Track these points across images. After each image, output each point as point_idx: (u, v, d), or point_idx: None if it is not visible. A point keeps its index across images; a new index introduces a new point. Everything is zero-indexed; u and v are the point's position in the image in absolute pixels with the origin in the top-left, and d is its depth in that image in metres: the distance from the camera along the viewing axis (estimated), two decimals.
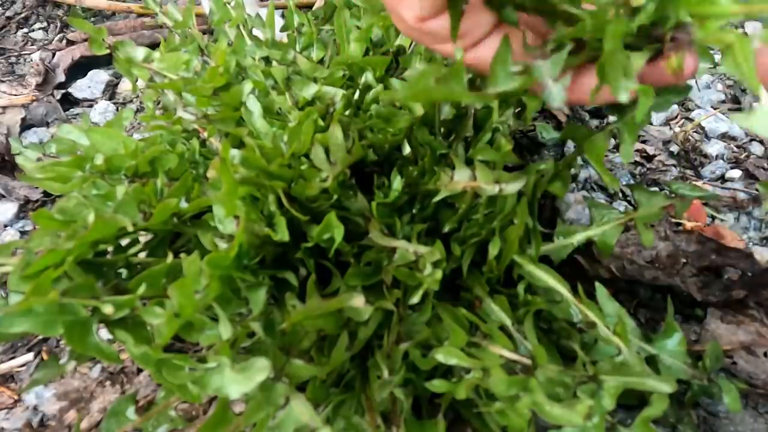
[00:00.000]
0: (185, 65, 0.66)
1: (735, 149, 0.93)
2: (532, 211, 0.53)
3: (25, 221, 0.87)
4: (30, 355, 0.69)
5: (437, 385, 0.45)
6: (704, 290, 0.62)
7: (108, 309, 0.36)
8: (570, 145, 0.89)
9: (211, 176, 0.46)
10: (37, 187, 0.90)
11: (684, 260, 0.63)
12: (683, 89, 0.40)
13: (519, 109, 0.59)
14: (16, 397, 0.65)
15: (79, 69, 1.15)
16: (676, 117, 1.01)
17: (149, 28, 1.25)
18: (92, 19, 1.34)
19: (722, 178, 0.89)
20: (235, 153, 0.45)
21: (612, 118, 0.45)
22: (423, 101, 0.53)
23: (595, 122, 0.97)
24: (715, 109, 1.01)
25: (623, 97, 0.30)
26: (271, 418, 0.39)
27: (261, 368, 0.35)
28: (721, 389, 0.49)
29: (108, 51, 0.70)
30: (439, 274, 0.43)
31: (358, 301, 0.40)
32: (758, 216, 0.82)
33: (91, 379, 0.65)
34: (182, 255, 0.39)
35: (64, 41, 1.25)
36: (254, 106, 0.58)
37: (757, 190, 0.84)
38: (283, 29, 0.77)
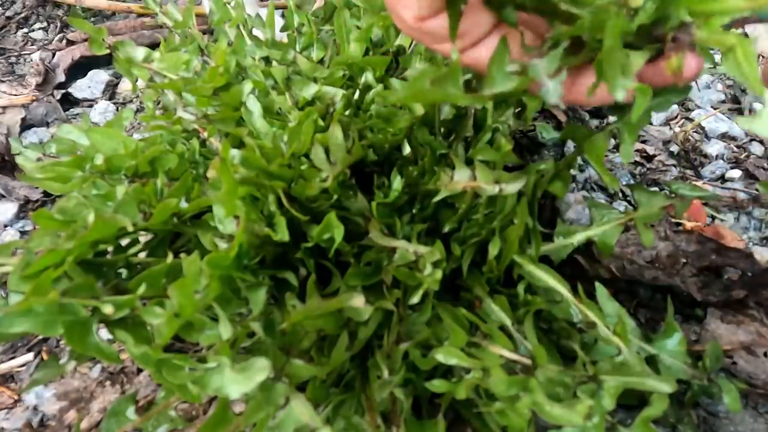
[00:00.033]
0: (185, 65, 0.66)
1: (735, 149, 0.94)
2: (532, 211, 0.53)
3: (25, 221, 0.87)
4: (30, 355, 0.69)
5: (437, 385, 0.45)
6: (704, 290, 0.62)
7: (108, 309, 0.36)
8: (570, 145, 0.89)
9: (211, 176, 0.46)
10: (37, 187, 0.90)
11: (684, 260, 0.63)
12: (683, 89, 0.40)
13: (519, 109, 0.59)
14: (16, 397, 0.65)
15: (79, 69, 1.15)
16: (676, 117, 1.01)
17: (149, 28, 1.25)
18: (92, 19, 1.34)
19: (722, 178, 0.89)
20: (235, 153, 0.45)
21: (612, 118, 0.45)
22: (419, 102, 0.53)
23: (595, 122, 0.97)
24: (715, 109, 1.01)
25: (620, 96, 0.30)
26: (271, 418, 0.39)
27: (261, 368, 0.35)
28: (721, 389, 0.49)
29: (108, 51, 0.70)
30: (439, 274, 0.43)
31: (358, 301, 0.40)
32: (758, 216, 0.82)
33: (91, 379, 0.65)
34: (182, 255, 0.39)
35: (64, 41, 1.25)
36: (254, 106, 0.58)
37: (757, 190, 0.84)
38: (283, 29, 0.77)
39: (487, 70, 0.33)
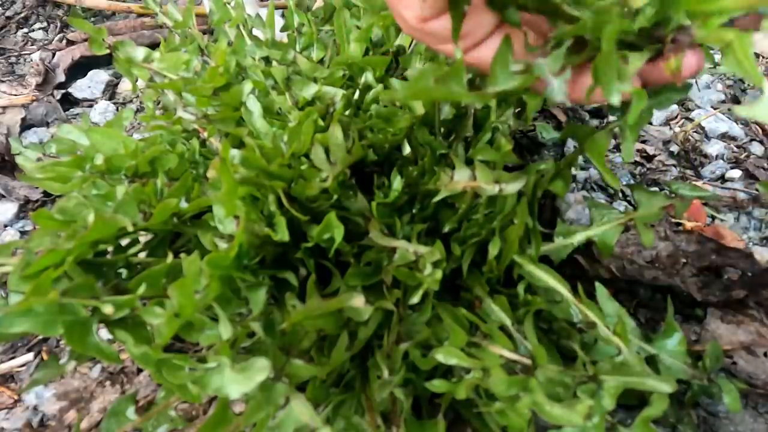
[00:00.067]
0: (185, 65, 0.66)
1: (735, 149, 0.94)
2: (532, 211, 0.53)
3: (25, 221, 0.87)
4: (30, 355, 0.69)
5: (437, 385, 0.45)
6: (704, 290, 0.62)
7: (108, 309, 0.36)
8: (570, 145, 0.89)
9: (211, 176, 0.46)
10: (37, 187, 0.90)
11: (684, 260, 0.63)
12: (684, 88, 0.40)
13: (519, 109, 0.59)
14: (16, 397, 0.65)
15: (79, 69, 1.15)
16: (676, 117, 1.01)
17: (149, 28, 1.25)
18: (92, 19, 1.34)
19: (722, 178, 0.89)
20: (235, 153, 0.45)
21: (612, 117, 0.45)
22: (423, 100, 0.53)
23: (595, 122, 0.97)
24: (715, 109, 1.01)
25: (615, 100, 0.30)
26: (271, 418, 0.39)
27: (261, 368, 0.35)
28: (721, 389, 0.49)
29: (108, 51, 0.70)
30: (439, 274, 0.43)
31: (358, 301, 0.40)
32: (758, 216, 0.82)
33: (91, 379, 0.65)
34: (182, 255, 0.39)
35: (64, 41, 1.26)
36: (254, 106, 0.58)
37: (757, 190, 0.84)
38: (283, 29, 0.77)
39: (491, 68, 0.33)
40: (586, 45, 0.33)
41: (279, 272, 0.47)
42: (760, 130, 0.97)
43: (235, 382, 0.35)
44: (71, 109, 1.10)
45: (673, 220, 0.75)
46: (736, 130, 0.96)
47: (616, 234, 0.54)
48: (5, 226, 0.86)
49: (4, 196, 0.90)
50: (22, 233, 0.85)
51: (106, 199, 0.49)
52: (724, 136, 0.96)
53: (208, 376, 0.36)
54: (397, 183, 0.52)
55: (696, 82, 1.07)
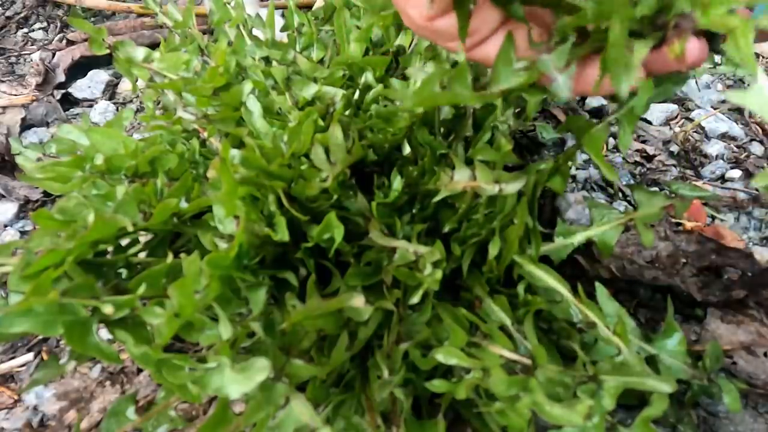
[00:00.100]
0: (185, 65, 0.66)
1: (735, 149, 0.94)
2: (532, 211, 0.53)
3: (25, 221, 0.87)
4: (30, 355, 0.69)
5: (437, 385, 0.45)
6: (704, 290, 0.62)
7: (108, 309, 0.36)
8: (570, 144, 0.89)
9: (211, 176, 0.46)
10: (37, 187, 0.90)
11: (684, 260, 0.63)
12: (682, 78, 0.40)
13: (519, 109, 0.59)
14: (16, 397, 0.65)
15: (79, 69, 1.15)
16: (676, 117, 1.01)
17: (149, 28, 1.25)
18: (92, 19, 1.34)
19: (722, 178, 0.89)
20: (235, 153, 0.45)
21: (612, 107, 0.45)
22: (429, 106, 0.52)
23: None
24: (715, 109, 1.01)
25: (624, 90, 0.30)
26: (271, 418, 0.39)
27: (261, 368, 0.35)
28: (721, 389, 0.49)
29: (108, 51, 0.70)
30: (439, 274, 0.43)
31: (358, 301, 0.40)
32: (758, 216, 0.82)
33: (91, 379, 0.65)
34: (182, 255, 0.39)
35: (64, 41, 1.26)
36: (254, 106, 0.58)
37: (757, 190, 0.84)
38: (283, 29, 0.77)
39: (493, 67, 0.33)
40: (588, 36, 0.33)
41: (279, 272, 0.47)
42: (760, 130, 0.97)
43: (235, 382, 0.35)
44: (71, 109, 1.10)
45: (673, 220, 0.75)
46: (736, 130, 0.96)
47: (616, 234, 0.54)
48: (5, 226, 0.86)
49: (4, 196, 0.90)
50: (22, 233, 0.85)
51: (106, 199, 0.49)
52: (724, 136, 0.96)
53: (208, 376, 0.36)
54: (397, 183, 0.52)
55: (696, 82, 1.07)
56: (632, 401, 0.53)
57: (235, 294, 0.43)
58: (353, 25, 0.69)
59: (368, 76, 0.62)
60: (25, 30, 1.32)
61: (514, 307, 0.51)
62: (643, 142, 0.94)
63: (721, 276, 0.63)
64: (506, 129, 0.57)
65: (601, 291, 0.53)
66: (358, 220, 0.51)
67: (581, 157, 0.90)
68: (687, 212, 0.70)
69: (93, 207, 0.46)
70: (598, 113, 0.98)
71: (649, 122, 1.00)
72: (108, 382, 0.64)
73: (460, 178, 0.47)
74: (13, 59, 1.22)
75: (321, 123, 0.54)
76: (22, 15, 1.35)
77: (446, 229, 0.53)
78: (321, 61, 0.72)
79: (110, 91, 1.13)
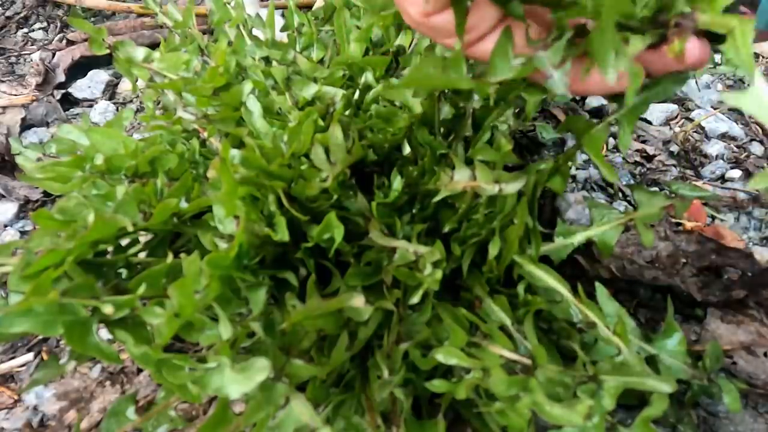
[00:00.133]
0: (185, 65, 0.66)
1: (735, 149, 0.94)
2: (532, 211, 0.53)
3: (25, 221, 0.87)
4: (30, 355, 0.69)
5: (437, 385, 0.45)
6: (704, 290, 0.62)
7: (108, 309, 0.36)
8: (570, 144, 0.89)
9: (211, 176, 0.46)
10: (37, 187, 0.90)
11: (684, 260, 0.63)
12: (682, 78, 0.40)
13: (518, 109, 0.59)
14: (16, 397, 0.65)
15: (79, 69, 1.15)
16: (676, 117, 1.01)
17: (149, 28, 1.25)
18: (92, 19, 1.34)
19: (722, 178, 0.89)
20: (235, 153, 0.45)
21: (612, 107, 0.45)
22: (423, 88, 0.52)
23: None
24: (715, 109, 1.01)
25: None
26: (271, 418, 0.39)
27: (261, 368, 0.35)
28: (721, 389, 0.49)
29: (108, 51, 0.70)
30: (439, 274, 0.43)
31: (358, 301, 0.40)
32: (758, 216, 0.82)
33: (91, 379, 0.65)
34: (182, 255, 0.39)
35: (64, 41, 1.26)
36: (254, 106, 0.58)
37: (757, 190, 0.84)
38: (283, 29, 0.77)
39: (490, 59, 0.34)
40: (587, 35, 0.33)
41: (279, 272, 0.47)
42: (760, 130, 0.97)
43: (235, 382, 0.35)
44: (71, 109, 1.10)
45: (673, 220, 0.75)
46: (736, 130, 0.96)
47: (616, 234, 0.54)
48: (5, 226, 0.86)
49: (4, 196, 0.90)
50: (22, 233, 0.85)
51: (106, 199, 0.49)
52: (724, 136, 0.96)
53: (208, 376, 0.36)
54: (397, 183, 0.52)
55: (696, 82, 1.07)
56: (632, 401, 0.53)
57: (235, 294, 0.43)
58: (353, 25, 0.69)
59: (368, 76, 0.62)
60: (25, 30, 1.32)
61: (514, 307, 0.51)
62: (643, 142, 0.94)
63: (721, 276, 0.63)
64: (506, 129, 0.57)
65: (601, 291, 0.53)
66: (358, 220, 0.51)
67: (581, 157, 0.90)
68: (687, 212, 0.70)
69: (93, 207, 0.46)
70: (598, 113, 0.98)
71: (649, 122, 1.00)
72: (108, 382, 0.64)
73: (460, 178, 0.47)
74: (13, 59, 1.22)
75: (321, 123, 0.54)
76: (22, 15, 1.35)
77: (446, 229, 0.53)
78: (321, 61, 0.72)
79: (110, 91, 1.13)
